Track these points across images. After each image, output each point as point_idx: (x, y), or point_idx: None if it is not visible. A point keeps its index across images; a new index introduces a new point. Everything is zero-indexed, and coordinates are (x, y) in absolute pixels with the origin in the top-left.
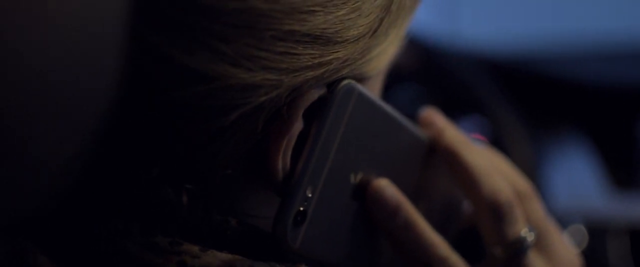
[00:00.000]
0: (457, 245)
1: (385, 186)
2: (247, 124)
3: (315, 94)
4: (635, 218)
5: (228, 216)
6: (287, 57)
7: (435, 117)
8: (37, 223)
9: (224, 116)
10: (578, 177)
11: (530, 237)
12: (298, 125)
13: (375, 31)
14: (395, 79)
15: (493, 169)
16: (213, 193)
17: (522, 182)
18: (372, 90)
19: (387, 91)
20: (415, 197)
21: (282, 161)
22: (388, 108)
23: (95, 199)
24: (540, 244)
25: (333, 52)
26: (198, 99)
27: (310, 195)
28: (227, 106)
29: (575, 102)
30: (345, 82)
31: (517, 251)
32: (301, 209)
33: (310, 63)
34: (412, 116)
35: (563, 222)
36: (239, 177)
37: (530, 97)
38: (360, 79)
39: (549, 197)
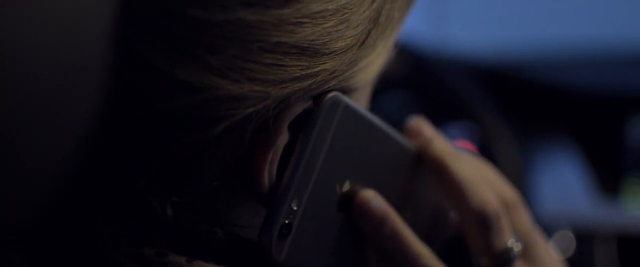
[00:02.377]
0: (444, 255)
1: (372, 197)
2: (234, 136)
3: (301, 106)
4: (623, 224)
5: (214, 226)
6: (274, 68)
7: (422, 127)
8: (23, 234)
9: (211, 127)
10: (565, 183)
11: (516, 247)
12: (284, 137)
13: (363, 43)
14: (383, 85)
15: (480, 179)
16: (200, 204)
17: (509, 192)
18: (360, 102)
19: (375, 98)
20: (402, 207)
21: (268, 172)
22: (375, 119)
23: (82, 210)
24: (527, 254)
25: (321, 64)
26: (185, 110)
27: (295, 208)
28: (214, 117)
29: (562, 109)
30: (331, 94)
31: (503, 261)
32: (286, 222)
33: (297, 74)
34: (400, 123)
35: (551, 228)
36: (226, 189)
37: (518, 103)
38: (348, 91)
39: (536, 204)
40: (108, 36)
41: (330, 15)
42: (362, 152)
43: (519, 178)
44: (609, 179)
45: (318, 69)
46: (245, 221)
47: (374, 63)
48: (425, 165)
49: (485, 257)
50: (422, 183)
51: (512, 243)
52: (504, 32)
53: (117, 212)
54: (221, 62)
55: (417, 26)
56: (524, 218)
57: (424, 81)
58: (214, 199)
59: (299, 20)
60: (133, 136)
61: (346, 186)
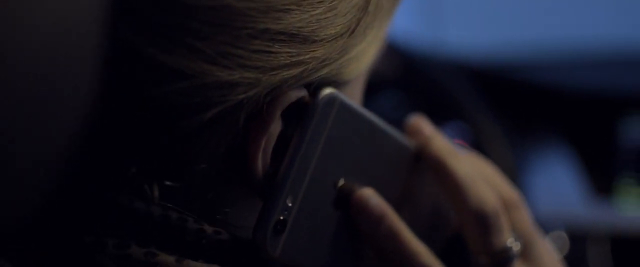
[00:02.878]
0: (443, 253)
1: (370, 195)
2: (227, 123)
3: (294, 94)
4: (616, 224)
5: (203, 224)
6: (263, 55)
7: (422, 125)
8: (9, 238)
9: (201, 113)
10: (559, 183)
11: (516, 246)
12: (277, 125)
13: (353, 31)
14: (377, 85)
15: (480, 177)
16: (192, 196)
17: (509, 191)
18: (353, 95)
19: (369, 98)
20: (400, 205)
21: (262, 159)
22: (371, 116)
23: (70, 211)
24: (526, 253)
25: (310, 51)
26: (175, 96)
27: (290, 204)
28: (204, 103)
29: (556, 109)
30: (326, 91)
31: (502, 260)
32: (281, 218)
33: (287, 61)
34: (394, 123)
35: (544, 228)
36: (219, 180)
37: (512, 104)
38: (341, 83)
39: (530, 204)
40: (98, 25)
41: (318, 2)
42: (359, 150)
43: (513, 178)
44: (602, 179)
45: (308, 56)
46: (239, 218)
47: (366, 53)
48: (424, 163)
49: (484, 256)
50: (421, 181)
51: (511, 242)
52: (498, 33)
53: (104, 213)
54: (210, 49)
55: (412, 27)
56: (524, 217)
57: (417, 81)
58: (207, 190)
59: (287, 7)
60: (123, 123)
61: (343, 183)
